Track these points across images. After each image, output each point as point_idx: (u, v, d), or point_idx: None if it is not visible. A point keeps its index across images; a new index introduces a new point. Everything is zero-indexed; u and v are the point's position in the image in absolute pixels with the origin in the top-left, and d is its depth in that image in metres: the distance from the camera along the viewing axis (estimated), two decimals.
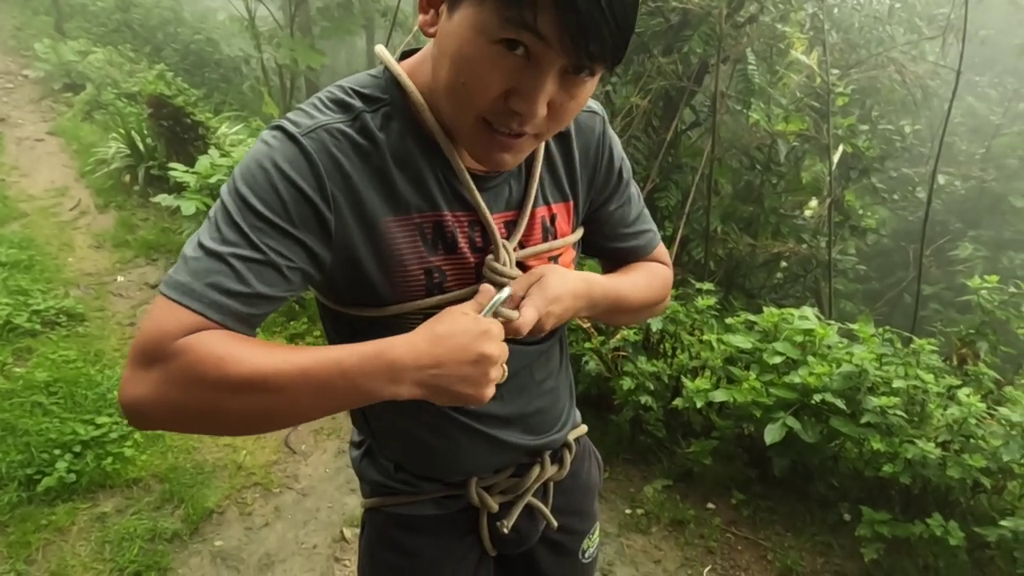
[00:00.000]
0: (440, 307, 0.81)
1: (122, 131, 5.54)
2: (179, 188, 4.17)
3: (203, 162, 4.09)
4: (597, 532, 1.21)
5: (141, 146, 5.35)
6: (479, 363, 0.73)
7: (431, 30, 0.75)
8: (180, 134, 5.16)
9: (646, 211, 1.07)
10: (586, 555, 1.18)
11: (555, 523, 1.07)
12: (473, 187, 0.84)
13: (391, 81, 0.82)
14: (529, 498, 1.04)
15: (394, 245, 0.82)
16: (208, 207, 3.97)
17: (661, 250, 1.09)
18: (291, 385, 0.68)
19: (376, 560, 1.07)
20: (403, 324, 0.84)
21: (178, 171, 4.12)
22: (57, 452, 2.65)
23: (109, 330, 3.73)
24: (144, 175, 5.26)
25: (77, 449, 2.69)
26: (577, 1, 0.64)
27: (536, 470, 1.04)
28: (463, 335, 0.73)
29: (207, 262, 0.71)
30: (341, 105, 0.80)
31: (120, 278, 4.33)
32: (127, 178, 5.43)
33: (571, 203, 0.95)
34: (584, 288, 0.90)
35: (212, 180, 3.99)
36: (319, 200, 0.75)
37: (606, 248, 1.05)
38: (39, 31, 8.94)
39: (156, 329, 0.68)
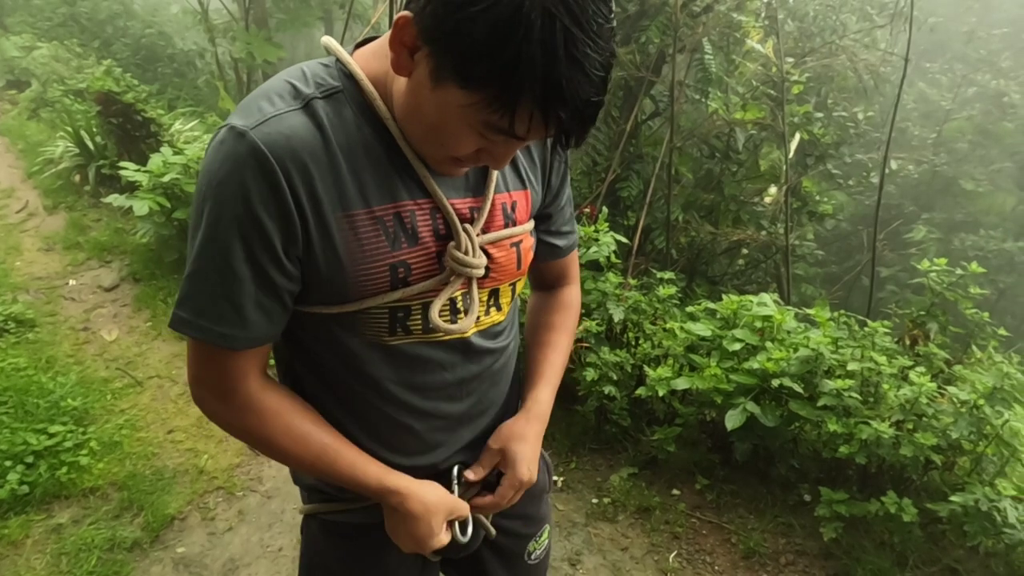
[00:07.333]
0: (404, 300, 0.83)
1: (70, 129, 5.36)
2: (131, 187, 4.05)
3: (155, 160, 3.97)
4: (546, 535, 1.20)
5: (91, 145, 5.18)
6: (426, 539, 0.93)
7: (404, 72, 0.74)
8: (131, 132, 5.00)
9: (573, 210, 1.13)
10: (532, 557, 1.17)
11: (492, 532, 1.06)
12: (429, 177, 0.83)
13: (342, 71, 0.81)
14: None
15: (354, 241, 0.79)
16: (161, 207, 3.87)
17: (575, 251, 1.16)
18: (322, 458, 0.89)
19: (313, 568, 1.06)
20: (365, 319, 0.83)
21: (129, 170, 3.99)
22: (8, 464, 2.56)
23: (61, 335, 3.62)
24: (95, 175, 5.10)
25: (29, 460, 2.60)
26: (562, 118, 0.68)
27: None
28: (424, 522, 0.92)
29: (217, 298, 0.79)
30: (291, 93, 0.78)
31: (72, 281, 4.19)
32: (77, 178, 5.26)
33: (528, 192, 0.96)
34: (539, 426, 1.02)
35: (165, 179, 3.88)
36: (283, 221, 0.76)
37: (542, 241, 1.05)
38: None
39: (210, 371, 0.84)
